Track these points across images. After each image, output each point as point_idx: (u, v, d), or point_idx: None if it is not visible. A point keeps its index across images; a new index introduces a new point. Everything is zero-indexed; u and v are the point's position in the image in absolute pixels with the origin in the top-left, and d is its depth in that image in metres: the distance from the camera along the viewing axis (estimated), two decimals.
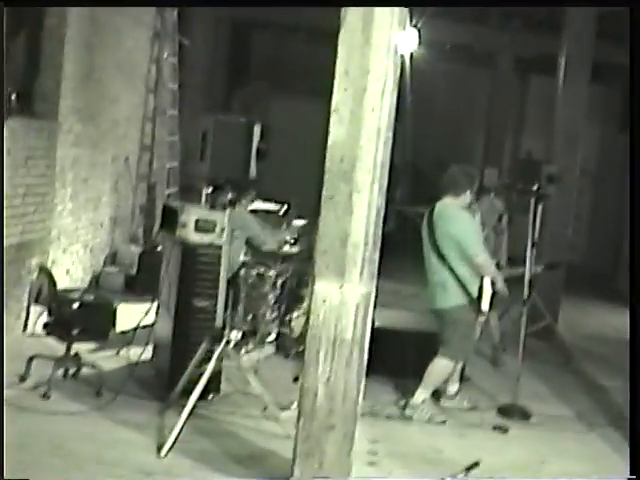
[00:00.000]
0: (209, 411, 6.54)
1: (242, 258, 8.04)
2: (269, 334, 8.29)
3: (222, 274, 6.40)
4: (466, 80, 18.89)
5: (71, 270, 9.47)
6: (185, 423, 5.82)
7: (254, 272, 8.02)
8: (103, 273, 10.44)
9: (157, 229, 10.09)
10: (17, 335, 7.66)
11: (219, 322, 6.38)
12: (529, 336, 8.10)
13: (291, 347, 8.31)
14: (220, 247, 6.50)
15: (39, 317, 7.06)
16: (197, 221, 6.64)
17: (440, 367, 7.13)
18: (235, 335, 6.35)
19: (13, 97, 7.46)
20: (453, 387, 7.55)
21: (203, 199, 6.80)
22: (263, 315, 8.06)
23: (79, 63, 8.97)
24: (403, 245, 11.07)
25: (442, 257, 6.98)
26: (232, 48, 17.60)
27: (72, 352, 6.89)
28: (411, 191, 17.72)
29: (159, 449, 5.69)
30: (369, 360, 5.28)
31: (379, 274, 5.24)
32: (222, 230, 6.56)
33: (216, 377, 6.62)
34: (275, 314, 8.22)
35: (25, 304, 7.32)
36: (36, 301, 6.93)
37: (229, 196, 6.30)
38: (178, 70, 12.63)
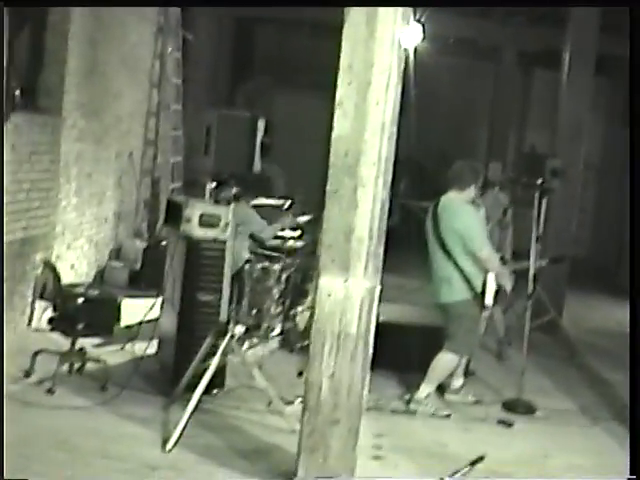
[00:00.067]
0: (214, 405, 6.55)
1: (246, 253, 8.04)
2: (273, 328, 8.30)
3: (226, 268, 6.40)
4: (470, 74, 18.87)
5: (75, 265, 9.47)
6: (190, 418, 5.83)
7: (259, 266, 8.02)
8: (107, 268, 10.43)
9: (161, 224, 10.08)
10: (22, 330, 7.67)
11: (224, 317, 6.39)
12: (533, 330, 8.10)
13: (296, 341, 8.31)
14: (224, 242, 6.50)
15: (44, 312, 7.07)
16: (201, 216, 6.63)
17: (445, 361, 7.13)
18: (240, 330, 6.34)
19: (17, 92, 7.44)
20: (458, 381, 7.55)
21: (207, 194, 6.80)
22: (267, 310, 8.07)
23: (83, 58, 8.96)
24: (407, 239, 11.06)
25: (447, 251, 6.98)
26: (236, 43, 17.58)
27: (77, 347, 6.90)
28: (413, 185, 17.70)
29: (164, 443, 5.70)
30: (374, 354, 5.28)
31: (383, 268, 5.24)
32: (226, 225, 6.56)
33: (221, 372, 6.61)
34: (280, 308, 8.23)
35: (30, 299, 7.33)
36: (41, 296, 6.93)
37: (233, 191, 6.30)
38: (182, 65, 12.63)
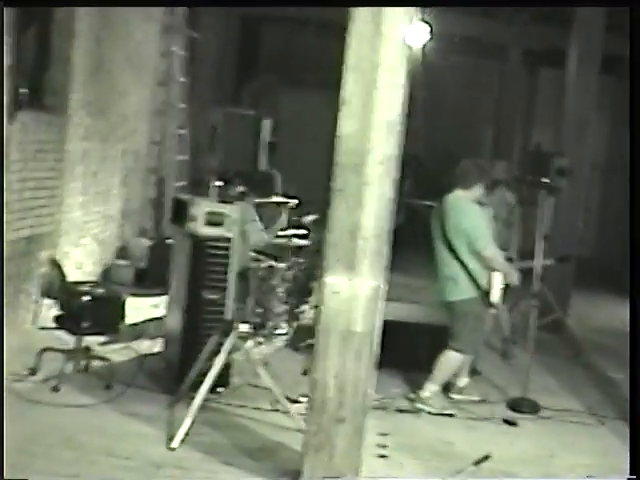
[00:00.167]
0: (219, 404, 6.55)
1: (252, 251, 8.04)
2: (279, 327, 8.30)
3: (232, 267, 6.40)
4: (475, 73, 18.85)
5: (81, 263, 9.48)
6: (195, 416, 5.84)
7: (264, 265, 8.03)
8: (113, 266, 10.45)
9: (167, 222, 10.10)
10: (28, 328, 7.68)
11: (229, 315, 6.39)
12: (539, 329, 8.09)
13: (301, 340, 8.32)
14: (230, 240, 6.50)
15: (49, 310, 7.07)
16: (207, 214, 6.64)
17: (450, 360, 7.14)
18: (245, 328, 6.35)
19: (23, 91, 7.45)
20: (463, 380, 7.55)
21: (213, 192, 6.80)
22: (273, 308, 8.07)
23: (89, 57, 8.97)
24: (412, 238, 11.05)
25: (452, 250, 6.98)
26: (242, 41, 17.58)
27: (82, 345, 6.91)
28: (416, 184, 17.69)
29: (169, 441, 5.70)
30: (379, 353, 5.28)
31: (389, 267, 5.24)
32: (232, 223, 6.56)
33: (226, 370, 6.61)
34: (285, 307, 8.23)
35: (35, 297, 7.34)
36: (46, 294, 6.94)
37: (239, 189, 6.30)
38: (188, 63, 12.63)
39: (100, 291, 7.12)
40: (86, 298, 6.78)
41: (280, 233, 8.77)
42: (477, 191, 7.12)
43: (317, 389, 5.18)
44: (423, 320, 8.38)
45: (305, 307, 8.47)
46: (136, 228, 11.47)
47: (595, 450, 6.64)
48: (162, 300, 7.40)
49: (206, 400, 6.05)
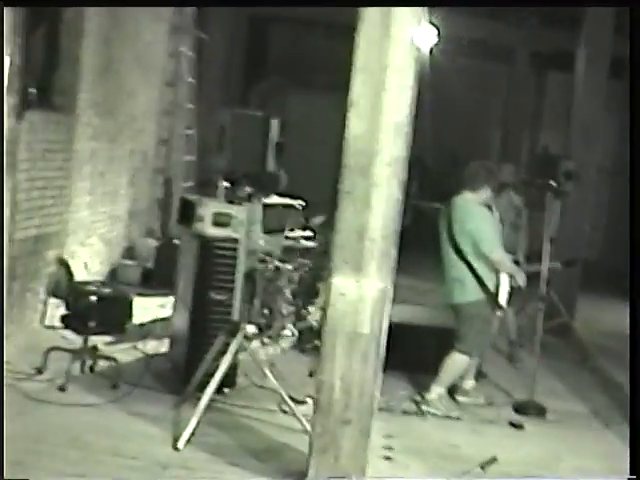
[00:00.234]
0: (225, 404, 6.55)
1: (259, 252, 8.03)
2: (285, 328, 8.29)
3: (239, 268, 6.40)
4: (483, 76, 18.84)
5: (88, 263, 9.49)
6: (201, 416, 5.84)
7: (271, 266, 8.01)
8: (120, 266, 10.47)
9: (174, 222, 10.10)
10: (34, 327, 7.69)
11: (236, 316, 6.39)
12: (545, 333, 8.08)
13: (307, 341, 8.32)
14: (237, 241, 6.50)
15: (57, 309, 7.08)
16: (214, 215, 6.64)
17: (456, 362, 7.13)
18: (251, 329, 6.34)
19: (32, 90, 7.47)
20: (469, 383, 7.54)
21: (220, 193, 6.80)
22: (279, 309, 8.06)
23: (97, 57, 8.98)
24: (419, 240, 11.05)
25: (459, 252, 6.97)
26: (249, 42, 17.60)
27: (89, 345, 6.92)
28: (421, 186, 17.69)
29: (175, 442, 5.70)
30: (385, 355, 5.27)
31: (396, 269, 5.23)
32: (239, 224, 6.56)
33: (232, 371, 6.62)
34: (291, 308, 8.22)
35: (42, 297, 7.35)
36: (54, 294, 6.95)
37: (247, 190, 6.30)
38: (196, 64, 12.64)
39: (107, 291, 7.13)
40: (93, 298, 6.78)
41: (288, 234, 8.75)
42: (485, 193, 7.11)
43: (323, 391, 5.18)
44: (429, 322, 8.39)
45: (312, 308, 8.46)
46: (143, 228, 11.49)
47: (601, 454, 6.63)
48: (169, 300, 7.40)
49: (212, 401, 6.06)
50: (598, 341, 10.44)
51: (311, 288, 8.38)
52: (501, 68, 18.27)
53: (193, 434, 5.74)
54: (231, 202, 6.70)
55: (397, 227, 5.14)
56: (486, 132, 19.25)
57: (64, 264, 7.10)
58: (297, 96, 17.14)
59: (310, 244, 8.85)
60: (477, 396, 7.51)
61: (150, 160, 11.50)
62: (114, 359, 7.05)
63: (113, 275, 10.29)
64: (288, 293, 8.11)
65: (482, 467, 5.83)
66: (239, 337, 6.22)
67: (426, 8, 5.21)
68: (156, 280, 10.04)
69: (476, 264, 6.96)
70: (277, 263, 8.07)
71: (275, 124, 6.32)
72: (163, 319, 7.50)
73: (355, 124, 5.01)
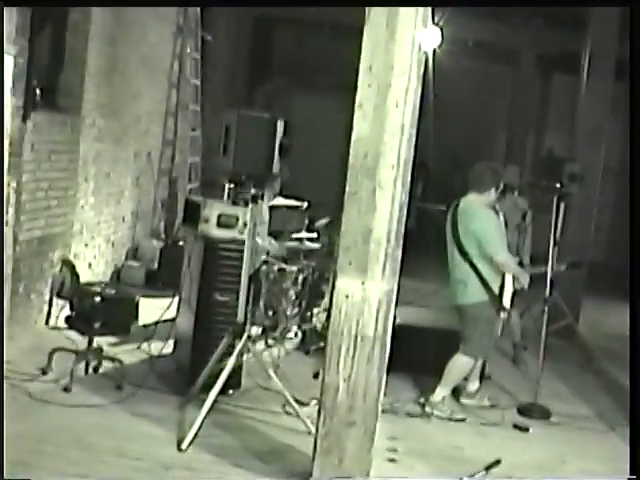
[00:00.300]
0: (229, 406, 6.56)
1: (264, 254, 8.03)
2: (290, 330, 8.30)
3: (244, 269, 6.40)
4: (488, 78, 18.83)
5: (93, 264, 9.51)
6: (205, 417, 5.84)
7: (275, 268, 8.02)
8: (125, 267, 10.47)
9: (179, 224, 10.11)
10: (39, 328, 7.70)
11: (240, 317, 6.39)
12: (550, 335, 8.06)
13: (312, 343, 8.32)
14: (242, 242, 6.50)
15: (61, 310, 7.09)
16: (219, 216, 6.64)
17: (460, 364, 7.12)
18: (256, 330, 6.35)
19: (38, 91, 7.48)
20: (473, 385, 7.54)
21: (225, 194, 6.80)
22: (284, 311, 8.06)
23: (102, 58, 9.00)
24: (424, 242, 11.05)
25: (464, 253, 6.97)
26: (254, 43, 17.60)
27: (94, 346, 6.92)
28: (424, 189, 17.69)
29: (179, 443, 5.71)
30: (390, 357, 5.27)
31: (400, 271, 5.23)
32: (244, 225, 6.56)
33: (237, 372, 6.63)
34: (296, 310, 8.22)
35: (47, 297, 7.36)
36: (58, 294, 6.95)
37: (252, 191, 6.29)
38: (201, 65, 12.65)
39: (112, 292, 7.13)
40: (98, 299, 6.79)
41: (292, 236, 8.77)
42: (490, 195, 7.10)
43: (328, 392, 5.18)
44: (434, 324, 8.37)
45: (316, 310, 8.46)
46: (148, 229, 11.49)
47: (605, 456, 6.61)
48: (173, 302, 7.41)
49: (216, 402, 6.06)
50: (603, 343, 10.42)
51: (315, 290, 8.39)
52: (506, 70, 18.25)
53: (197, 435, 5.75)
54: (236, 203, 6.71)
55: (402, 229, 5.14)
56: (491, 134, 19.24)
57: (69, 265, 7.10)
58: (301, 97, 17.14)
59: (314, 245, 8.86)
60: (481, 398, 7.50)
61: (155, 161, 11.51)
62: (119, 360, 7.05)
63: (117, 276, 10.30)
64: (292, 295, 8.12)
65: (486, 469, 5.83)
66: (244, 338, 6.22)
67: (430, 9, 5.20)
68: (161, 281, 10.05)
69: (480, 265, 6.95)
70: (282, 265, 8.09)
71: (281, 125, 6.31)
72: (168, 320, 7.49)
73: (360, 126, 5.01)
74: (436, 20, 11.22)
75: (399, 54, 4.96)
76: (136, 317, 7.17)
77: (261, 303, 7.77)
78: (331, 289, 5.43)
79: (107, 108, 9.33)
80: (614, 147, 16.98)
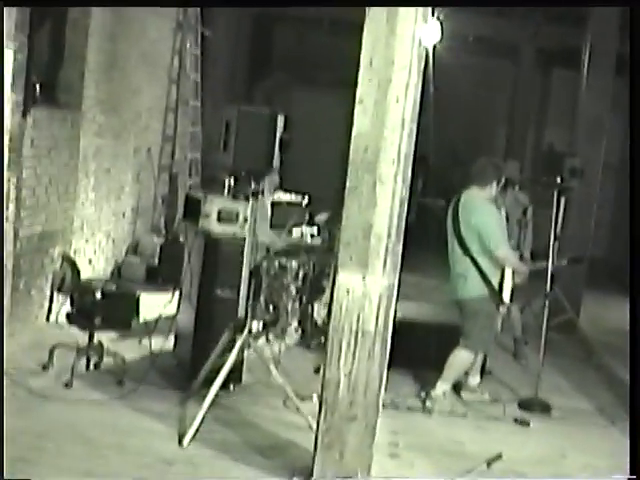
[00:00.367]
0: (230, 401, 6.56)
1: (264, 249, 8.04)
2: (291, 325, 8.31)
3: (245, 265, 6.40)
4: (488, 73, 18.81)
5: (93, 260, 9.50)
6: (206, 413, 5.84)
7: (276, 263, 8.03)
8: (125, 263, 10.46)
9: (179, 219, 10.11)
10: (40, 324, 7.70)
11: (241, 312, 6.39)
12: (550, 330, 8.06)
13: (312, 338, 8.32)
14: (242, 238, 6.50)
15: (62, 306, 7.09)
16: (220, 212, 6.65)
17: (460, 358, 7.13)
18: (257, 326, 6.35)
19: (37, 87, 7.48)
20: (474, 379, 7.54)
21: (226, 190, 6.80)
22: (285, 306, 8.07)
23: (102, 54, 8.99)
24: (424, 237, 11.04)
25: (464, 247, 6.97)
26: (254, 39, 17.58)
27: (95, 341, 6.93)
28: (426, 183, 17.68)
29: (180, 438, 5.71)
30: (390, 352, 5.27)
31: (401, 266, 5.23)
32: (244, 221, 6.56)
33: (238, 367, 6.63)
34: (297, 305, 8.23)
35: (48, 293, 7.36)
36: (59, 290, 6.96)
37: (252, 187, 6.29)
38: (200, 61, 12.63)
39: (112, 288, 7.15)
40: (98, 294, 6.80)
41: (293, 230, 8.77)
42: (492, 189, 7.11)
43: (329, 387, 5.18)
44: (435, 319, 8.37)
45: (317, 305, 8.46)
46: (148, 225, 11.49)
47: (606, 451, 6.61)
48: (174, 297, 7.41)
49: (217, 397, 6.05)
50: (603, 338, 10.43)
51: (316, 285, 8.39)
52: (506, 65, 18.24)
53: (198, 431, 5.75)
54: (236, 199, 6.70)
55: (402, 224, 5.13)
56: (491, 129, 19.23)
57: (69, 261, 7.12)
58: (302, 93, 17.12)
59: (315, 241, 8.86)
60: (482, 393, 7.51)
61: (155, 157, 11.50)
62: (119, 356, 7.06)
63: (118, 272, 10.30)
64: (293, 290, 8.13)
65: (487, 464, 5.83)
66: (244, 334, 6.22)
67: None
68: (161, 277, 10.04)
69: (480, 260, 6.95)
70: (282, 260, 8.09)
71: (281, 121, 6.30)
72: (169, 316, 7.50)
73: (361, 121, 5.01)
74: (436, 15, 11.22)
75: (399, 49, 4.95)
76: (137, 313, 7.18)
77: (262, 298, 7.78)
78: (332, 284, 5.42)
79: (107, 104, 9.32)
80: (614, 142, 16.99)
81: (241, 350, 6.29)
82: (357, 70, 5.00)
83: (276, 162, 6.18)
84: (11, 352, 6.76)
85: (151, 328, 7.51)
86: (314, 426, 5.42)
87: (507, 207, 7.99)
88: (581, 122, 11.16)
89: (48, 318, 7.13)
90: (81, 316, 6.83)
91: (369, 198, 5.03)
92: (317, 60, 17.67)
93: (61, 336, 7.23)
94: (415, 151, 5.14)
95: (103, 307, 6.84)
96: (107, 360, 7.04)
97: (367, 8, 4.96)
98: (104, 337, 7.22)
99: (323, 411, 5.20)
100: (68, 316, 6.93)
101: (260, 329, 7.85)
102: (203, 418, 5.81)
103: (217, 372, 6.07)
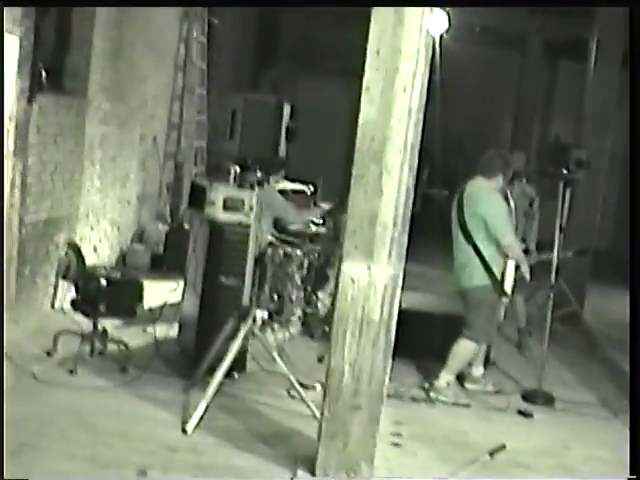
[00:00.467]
0: (234, 389, 6.56)
1: (269, 237, 8.04)
2: (295, 314, 8.31)
3: (250, 253, 6.40)
4: (495, 63, 18.76)
5: (98, 247, 9.51)
6: (210, 401, 5.85)
7: (281, 252, 8.03)
8: (130, 251, 10.48)
9: (185, 207, 10.11)
10: (45, 310, 7.71)
11: (246, 301, 6.39)
12: (555, 321, 8.06)
13: (317, 327, 8.33)
14: (248, 226, 6.50)
15: (67, 293, 7.10)
16: (225, 200, 6.62)
17: (464, 348, 7.13)
18: (261, 314, 6.34)
19: (43, 74, 7.47)
20: (478, 370, 7.54)
21: (231, 178, 6.79)
22: (289, 294, 8.08)
23: (109, 41, 8.98)
24: (429, 228, 11.03)
25: (468, 236, 6.98)
26: (261, 27, 17.54)
27: (99, 328, 6.93)
28: (431, 174, 17.67)
29: (184, 426, 5.72)
30: (395, 342, 5.26)
31: (406, 256, 5.22)
32: (250, 209, 6.56)
33: (242, 356, 6.63)
34: (301, 294, 8.24)
35: (52, 280, 7.37)
36: (64, 277, 6.96)
37: (258, 175, 6.28)
38: (207, 49, 12.62)
39: (117, 275, 7.15)
40: (103, 281, 6.80)
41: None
42: (498, 181, 7.11)
43: (333, 376, 5.17)
44: (438, 309, 8.38)
45: (321, 294, 8.47)
46: (153, 213, 11.50)
47: (609, 443, 6.61)
48: (179, 285, 7.41)
49: (221, 385, 6.06)
50: (607, 330, 10.42)
51: (320, 274, 8.40)
52: (513, 56, 18.18)
53: (202, 418, 5.76)
54: (242, 187, 6.69)
55: (408, 214, 5.12)
56: (497, 120, 19.19)
57: (74, 248, 7.11)
58: (308, 82, 17.09)
59: (320, 230, 8.86)
60: (486, 384, 7.51)
61: (161, 145, 11.50)
62: (124, 343, 7.06)
63: (123, 259, 10.31)
64: (298, 279, 8.12)
65: (491, 455, 5.83)
66: (248, 322, 6.22)
67: None
68: (166, 265, 10.06)
69: (484, 249, 6.95)
70: (287, 249, 8.09)
71: (287, 109, 6.30)
72: (173, 304, 7.50)
73: (367, 110, 4.99)
74: (443, 5, 11.18)
75: (407, 38, 4.93)
76: (141, 300, 7.17)
77: (266, 287, 7.78)
78: (336, 273, 5.42)
79: (113, 91, 9.31)
80: (620, 135, 16.94)
81: (245, 338, 6.29)
82: (364, 59, 4.99)
83: (282, 151, 6.18)
84: (16, 338, 6.78)
85: (156, 316, 7.52)
86: (318, 415, 5.43)
87: (514, 199, 7.98)
88: (587, 114, 11.14)
89: (53, 305, 7.12)
90: (86, 303, 6.83)
91: (375, 187, 5.01)
92: (323, 49, 17.64)
93: (66, 323, 7.23)
94: (421, 141, 5.13)
95: (108, 294, 6.83)
96: (111, 347, 7.05)
97: None
98: (108, 324, 7.22)
99: (327, 400, 5.20)
100: (73, 303, 6.93)
101: (264, 317, 7.85)
102: (207, 406, 5.81)
103: (221, 360, 6.08)
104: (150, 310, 7.81)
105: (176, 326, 7.48)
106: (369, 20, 4.97)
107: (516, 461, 5.93)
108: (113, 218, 9.94)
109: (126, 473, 5.01)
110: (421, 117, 5.05)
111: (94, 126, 8.85)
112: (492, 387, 7.49)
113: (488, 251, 6.96)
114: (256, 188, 6.34)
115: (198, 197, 6.97)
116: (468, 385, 7.44)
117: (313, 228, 8.85)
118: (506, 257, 7.00)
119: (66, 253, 7.13)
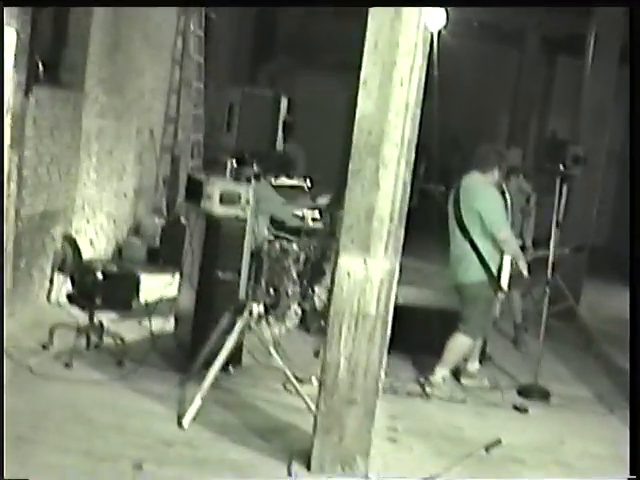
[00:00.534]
0: (230, 383, 6.56)
1: (266, 231, 8.04)
2: (291, 308, 8.31)
3: (246, 247, 6.39)
4: (493, 59, 18.76)
5: (94, 240, 9.50)
6: (206, 395, 5.84)
7: (277, 246, 8.03)
8: (126, 244, 10.46)
9: (181, 201, 10.10)
10: (41, 304, 7.70)
11: (242, 295, 6.39)
12: (551, 317, 8.07)
13: (313, 321, 8.33)
14: (244, 220, 6.49)
15: (63, 286, 7.09)
16: (222, 193, 6.62)
17: (459, 343, 7.14)
18: (257, 308, 6.34)
19: (40, 66, 7.45)
20: (473, 365, 7.55)
21: (228, 172, 6.79)
22: (285, 289, 8.08)
23: (106, 34, 8.96)
24: (426, 223, 11.03)
25: (465, 231, 6.98)
26: (258, 21, 17.52)
27: (95, 322, 6.93)
28: (428, 169, 17.67)
29: (180, 420, 5.72)
30: (390, 337, 5.27)
31: (402, 251, 5.22)
32: (247, 203, 6.55)
33: (238, 350, 6.63)
34: (297, 288, 8.23)
35: (49, 273, 7.35)
36: (60, 270, 6.95)
37: (255, 169, 6.28)
38: (204, 43, 12.59)
39: (113, 268, 7.14)
40: (99, 275, 6.79)
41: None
42: (493, 176, 7.12)
43: (328, 370, 5.18)
44: (434, 304, 8.38)
45: (317, 288, 8.47)
46: (150, 206, 11.48)
47: (604, 438, 6.63)
48: (175, 279, 7.41)
49: (217, 379, 6.05)
50: (603, 326, 10.45)
51: (317, 268, 8.39)
52: (511, 51, 18.19)
53: (198, 412, 5.75)
54: (239, 181, 6.69)
55: (405, 208, 5.12)
56: (494, 116, 19.19)
57: (70, 241, 7.10)
58: (305, 76, 17.08)
59: (317, 224, 8.86)
60: (481, 379, 7.52)
61: (157, 138, 11.48)
62: (120, 336, 7.06)
63: (119, 253, 10.30)
64: (294, 273, 8.12)
65: (486, 449, 5.84)
66: (245, 316, 6.22)
67: None
68: (162, 258, 10.04)
69: (480, 244, 6.96)
70: (283, 243, 8.09)
71: (285, 103, 6.29)
72: (169, 297, 7.50)
73: (365, 104, 4.98)
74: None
75: (404, 32, 4.93)
76: (137, 294, 7.17)
77: (262, 281, 7.77)
78: (333, 267, 5.42)
79: (110, 84, 9.29)
80: (618, 131, 16.95)
81: (241, 332, 6.29)
82: (361, 53, 4.98)
83: (279, 145, 6.17)
84: (11, 331, 6.77)
85: (151, 309, 7.51)
86: (313, 409, 5.43)
87: (511, 195, 7.98)
88: (585, 110, 11.14)
89: (49, 298, 7.11)
90: (82, 296, 6.83)
91: (372, 181, 5.01)
92: (321, 43, 17.63)
93: (61, 316, 7.23)
94: (419, 136, 5.13)
95: (104, 288, 6.82)
96: (107, 341, 7.04)
97: None
98: (104, 318, 7.22)
99: (322, 394, 5.20)
100: (69, 296, 6.92)
101: (261, 312, 7.84)
102: (203, 400, 5.81)
103: (217, 354, 6.07)
104: (146, 304, 7.80)
105: (172, 320, 7.47)
106: (367, 14, 4.97)
107: (511, 456, 5.93)
108: (109, 211, 9.93)
109: (122, 467, 5.00)
110: (418, 112, 5.05)
111: (91, 119, 8.83)
112: (487, 382, 7.49)
113: (484, 246, 6.97)
114: (253, 182, 6.33)
115: (195, 191, 6.96)
116: (464, 380, 7.45)
117: (310, 223, 8.84)
118: (502, 252, 7.01)
119: (62, 246, 7.12)
